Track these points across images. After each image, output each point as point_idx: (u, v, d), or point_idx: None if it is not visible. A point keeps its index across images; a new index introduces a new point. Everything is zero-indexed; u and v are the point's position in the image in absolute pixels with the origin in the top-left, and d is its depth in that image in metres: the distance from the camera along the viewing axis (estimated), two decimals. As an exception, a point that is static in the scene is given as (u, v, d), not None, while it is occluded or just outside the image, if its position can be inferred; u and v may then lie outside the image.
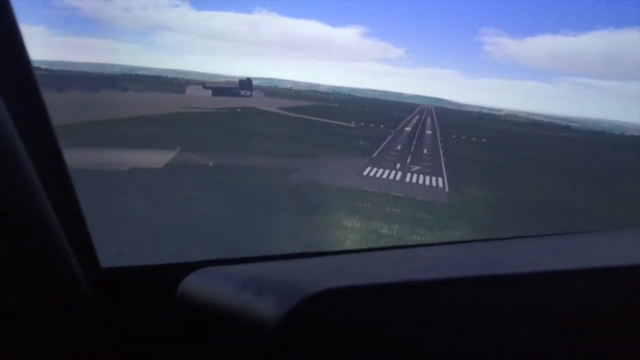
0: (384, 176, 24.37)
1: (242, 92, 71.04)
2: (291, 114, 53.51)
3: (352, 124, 52.09)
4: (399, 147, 36.23)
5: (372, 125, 54.17)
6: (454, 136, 52.35)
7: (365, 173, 24.36)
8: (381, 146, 35.51)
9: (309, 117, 52.93)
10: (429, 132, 56.30)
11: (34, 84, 0.75)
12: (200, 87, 64.38)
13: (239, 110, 48.81)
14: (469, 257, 1.15)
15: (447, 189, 23.34)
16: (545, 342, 0.78)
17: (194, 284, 0.86)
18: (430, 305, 0.73)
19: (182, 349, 0.97)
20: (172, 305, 0.88)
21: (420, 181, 24.31)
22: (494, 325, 0.75)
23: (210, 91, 62.37)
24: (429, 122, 78.92)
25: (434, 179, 25.28)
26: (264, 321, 0.65)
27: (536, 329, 0.77)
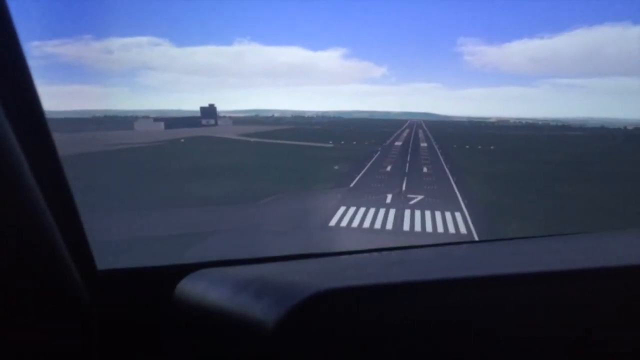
0: (367, 222, 14.53)
1: (205, 121, 61.83)
2: (252, 139, 44.06)
3: (330, 144, 42.71)
4: (388, 168, 26.57)
5: (354, 143, 44.84)
6: (455, 146, 43.20)
7: (333, 222, 14.51)
8: (364, 169, 25.89)
9: (274, 141, 43.53)
10: (424, 144, 46.87)
11: (31, 88, 0.77)
12: (152, 120, 55.30)
13: (182, 140, 39.28)
14: (470, 257, 1.14)
15: (475, 235, 13.51)
16: (546, 342, 0.78)
17: (191, 286, 0.86)
18: (431, 306, 0.72)
19: (179, 351, 0.95)
20: (169, 307, 0.88)
21: (429, 224, 14.46)
22: (496, 325, 0.75)
23: (162, 124, 53.27)
24: (421, 134, 70.05)
25: (448, 215, 15.53)
26: (262, 323, 0.65)
27: (538, 329, 0.77)
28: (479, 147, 43.35)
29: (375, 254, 1.22)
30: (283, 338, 0.64)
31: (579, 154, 39.24)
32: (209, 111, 65.17)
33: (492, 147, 43.29)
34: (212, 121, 63.17)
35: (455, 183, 21.70)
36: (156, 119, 56.25)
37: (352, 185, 21.04)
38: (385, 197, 18.30)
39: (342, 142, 44.86)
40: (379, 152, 34.99)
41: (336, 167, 26.53)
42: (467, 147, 43.08)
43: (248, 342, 0.70)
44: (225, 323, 0.73)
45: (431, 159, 31.53)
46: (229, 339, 0.76)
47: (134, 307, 1.02)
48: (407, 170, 25.61)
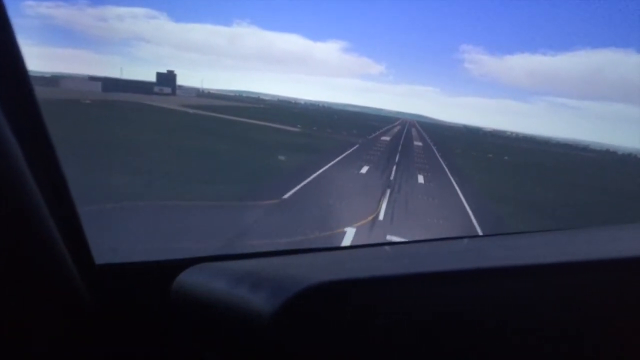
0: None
1: (158, 89, 51.47)
2: (192, 111, 33.90)
3: (296, 129, 32.79)
4: (364, 170, 16.90)
5: (329, 130, 34.94)
6: (458, 151, 33.91)
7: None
8: (325, 167, 16.18)
9: (223, 116, 33.30)
10: (418, 143, 37.26)
11: (29, 86, 0.78)
12: (87, 79, 45.01)
13: (87, 102, 28.89)
14: (470, 251, 1.16)
15: None
16: (545, 332, 0.79)
17: (189, 280, 0.88)
18: (428, 298, 0.73)
19: (177, 344, 0.97)
20: (167, 301, 0.89)
21: None
22: (494, 317, 0.76)
23: (99, 84, 42.84)
24: (414, 132, 60.60)
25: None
26: (258, 315, 0.66)
27: (536, 319, 0.78)
28: (489, 155, 34.11)
29: (372, 248, 1.22)
30: (280, 329, 0.64)
31: (625, 178, 30.18)
32: (167, 78, 54.63)
33: (505, 158, 34.05)
34: (169, 90, 52.56)
35: (474, 213, 12.11)
36: (93, 78, 45.46)
37: (287, 195, 11.27)
38: (343, 234, 8.62)
39: (314, 129, 35.06)
40: (357, 146, 25.29)
41: (282, 158, 16.71)
42: (474, 154, 33.77)
43: (246, 334, 0.71)
44: (223, 315, 0.75)
45: (430, 166, 21.91)
46: (227, 330, 0.77)
47: (132, 301, 1.02)
48: (392, 177, 15.90)
